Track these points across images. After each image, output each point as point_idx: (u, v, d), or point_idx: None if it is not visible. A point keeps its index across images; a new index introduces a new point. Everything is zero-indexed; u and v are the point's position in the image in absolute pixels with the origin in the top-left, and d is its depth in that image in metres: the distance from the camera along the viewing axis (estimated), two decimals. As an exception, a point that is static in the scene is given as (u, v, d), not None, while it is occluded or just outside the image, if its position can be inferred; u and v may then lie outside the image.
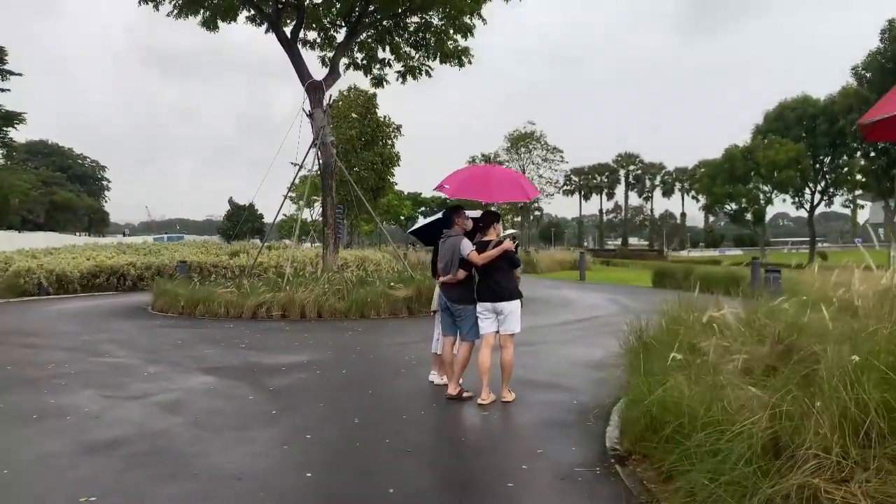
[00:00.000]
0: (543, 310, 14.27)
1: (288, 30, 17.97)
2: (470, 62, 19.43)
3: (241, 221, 46.61)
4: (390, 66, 20.11)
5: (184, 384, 7.17)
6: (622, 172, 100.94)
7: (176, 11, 17.09)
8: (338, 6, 18.45)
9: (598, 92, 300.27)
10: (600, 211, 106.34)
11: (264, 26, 18.54)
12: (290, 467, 4.49)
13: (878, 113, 3.77)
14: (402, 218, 65.79)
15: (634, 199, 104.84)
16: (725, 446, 3.07)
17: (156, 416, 5.84)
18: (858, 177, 48.74)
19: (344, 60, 19.29)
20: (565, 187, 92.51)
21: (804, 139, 48.62)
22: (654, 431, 4.08)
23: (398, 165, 41.32)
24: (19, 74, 41.79)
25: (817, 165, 50.40)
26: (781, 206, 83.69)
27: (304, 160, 17.98)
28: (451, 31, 18.66)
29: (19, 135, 47.73)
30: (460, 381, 6.32)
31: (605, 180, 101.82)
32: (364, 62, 20.06)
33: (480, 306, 6.20)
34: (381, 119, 40.23)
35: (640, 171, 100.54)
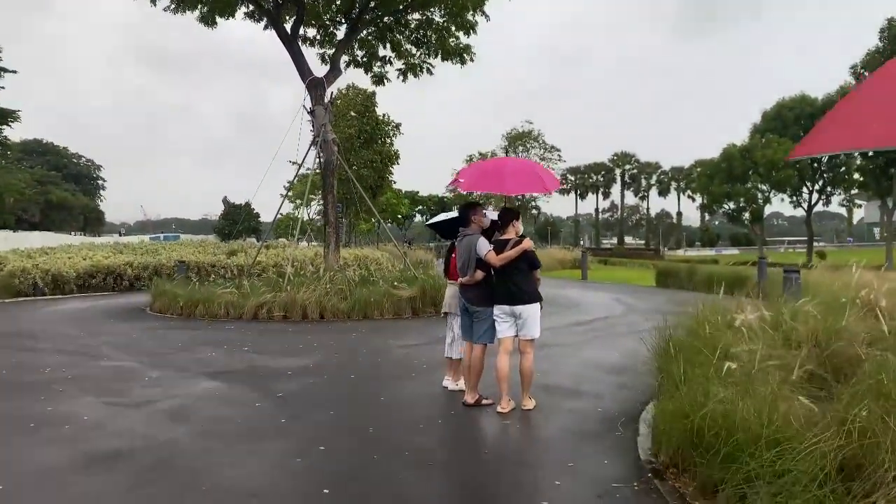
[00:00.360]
0: (551, 310, 13.93)
1: (288, 26, 17.66)
2: (472, 60, 19.13)
3: (241, 220, 46.14)
4: (391, 63, 19.79)
5: (188, 390, 6.88)
6: (618, 172, 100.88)
7: (174, 6, 16.75)
8: (338, 2, 18.16)
9: (594, 91, 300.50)
10: (596, 210, 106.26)
11: (263, 23, 18.25)
12: (306, 483, 4.22)
13: (804, 151, 3.46)
14: (400, 217, 65.39)
15: (630, 199, 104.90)
16: (793, 466, 2.81)
17: (160, 426, 5.56)
18: (856, 176, 48.73)
19: (344, 58, 18.99)
20: (562, 186, 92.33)
21: (802, 138, 48.45)
22: (696, 444, 3.82)
23: (397, 164, 41.03)
24: (14, 72, 41.26)
25: (815, 164, 50.29)
26: (776, 205, 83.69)
27: (304, 158, 17.70)
28: (454, 28, 18.38)
29: (14, 133, 47.32)
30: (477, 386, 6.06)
31: (602, 179, 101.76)
32: (364, 59, 19.74)
33: (497, 309, 5.91)
34: (381, 117, 39.88)
35: (636, 171, 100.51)
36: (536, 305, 5.89)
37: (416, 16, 18.49)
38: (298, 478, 4.32)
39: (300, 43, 18.21)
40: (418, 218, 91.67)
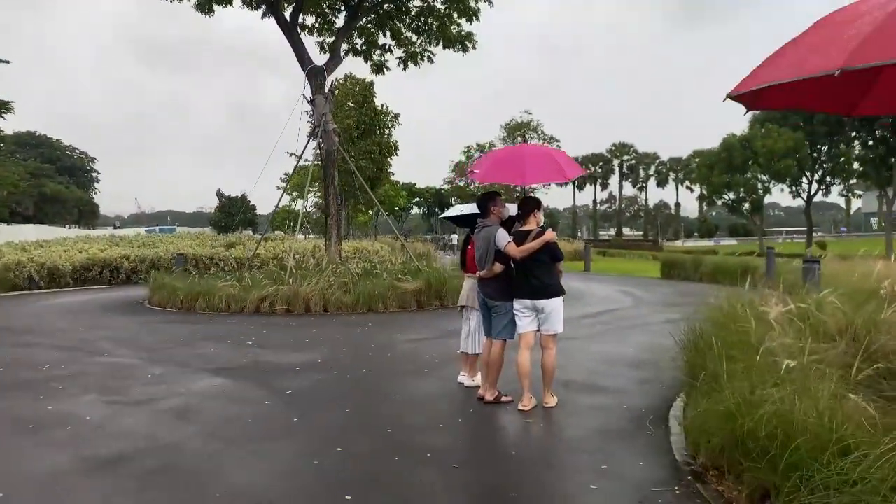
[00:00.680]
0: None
1: (287, 13, 17.28)
2: (474, 47, 18.79)
3: (238, 212, 45.71)
4: (391, 51, 19.42)
5: (192, 387, 6.61)
6: (616, 162, 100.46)
7: (170, -7, 16.37)
8: (338, -11, 17.79)
9: (592, 81, 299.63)
10: (594, 201, 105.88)
11: (260, 10, 17.85)
12: (325, 488, 3.96)
13: (752, 83, 3.11)
14: (398, 209, 64.98)
15: (629, 190, 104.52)
16: (869, 474, 2.57)
17: (165, 426, 5.30)
18: (856, 165, 48.56)
19: (343, 46, 18.62)
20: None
21: (802, 128, 48.24)
22: (744, 447, 3.57)
23: (396, 155, 40.55)
24: (6, 62, 40.63)
25: (815, 154, 50.11)
26: (773, 195, 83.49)
27: (304, 149, 17.37)
28: (456, 16, 18.03)
29: (7, 125, 46.74)
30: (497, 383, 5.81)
31: (599, 170, 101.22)
32: (364, 48, 19.37)
33: (518, 303, 5.64)
34: (379, 107, 39.39)
35: (634, 161, 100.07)
36: (559, 299, 5.64)
37: (418, 2, 18.12)
38: (316, 483, 4.07)
39: (299, 31, 17.84)
40: (415, 210, 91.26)
